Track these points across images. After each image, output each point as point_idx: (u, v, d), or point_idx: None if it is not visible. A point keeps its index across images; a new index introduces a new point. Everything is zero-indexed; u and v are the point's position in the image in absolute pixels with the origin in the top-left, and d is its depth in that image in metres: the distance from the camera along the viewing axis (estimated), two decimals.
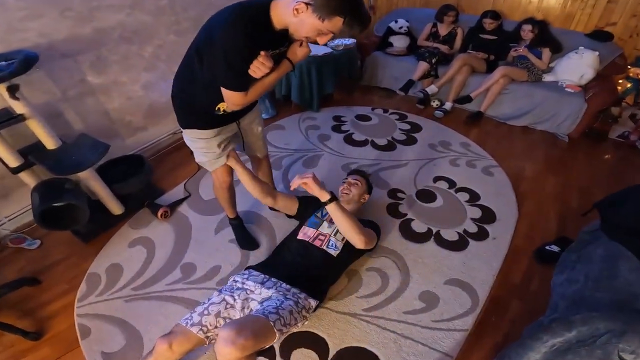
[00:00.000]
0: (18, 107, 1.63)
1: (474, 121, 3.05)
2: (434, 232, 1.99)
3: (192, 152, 1.56)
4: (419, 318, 1.57)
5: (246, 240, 1.93)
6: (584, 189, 2.31)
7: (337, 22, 1.04)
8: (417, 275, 1.75)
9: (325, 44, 3.09)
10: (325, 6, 1.01)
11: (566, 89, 2.84)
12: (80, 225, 1.87)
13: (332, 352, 1.46)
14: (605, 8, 2.93)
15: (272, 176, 2.02)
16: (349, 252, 1.62)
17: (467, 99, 3.09)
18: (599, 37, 2.92)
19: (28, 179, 1.84)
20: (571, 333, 1.05)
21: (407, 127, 3.01)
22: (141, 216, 2.17)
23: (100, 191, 2.01)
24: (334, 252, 1.57)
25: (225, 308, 1.31)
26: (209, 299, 1.34)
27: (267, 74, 1.20)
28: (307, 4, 1.02)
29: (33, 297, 1.75)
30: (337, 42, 3.22)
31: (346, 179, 1.88)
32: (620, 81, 2.99)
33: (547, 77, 3.01)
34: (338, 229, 1.52)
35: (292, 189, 1.42)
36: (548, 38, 2.99)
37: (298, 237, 1.64)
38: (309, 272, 1.53)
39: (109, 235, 2.05)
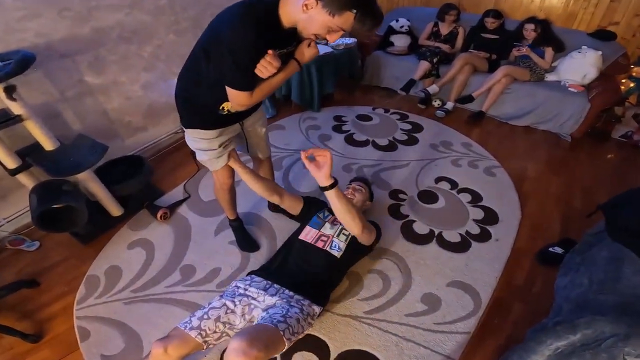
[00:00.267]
0: (15, 108, 1.61)
1: (476, 121, 3.04)
2: (436, 234, 1.97)
3: (192, 153, 1.55)
4: (421, 320, 1.56)
5: (246, 241, 1.92)
6: (587, 189, 2.30)
7: (348, 17, 1.01)
8: (419, 277, 1.74)
9: (326, 43, 3.08)
10: (336, 1, 0.98)
11: (569, 89, 2.82)
12: (79, 227, 1.86)
13: (333, 355, 1.45)
14: (608, 7, 2.91)
15: (274, 177, 2.00)
16: (352, 253, 1.61)
17: (469, 99, 3.07)
18: (602, 36, 2.90)
19: (26, 181, 1.82)
20: (575, 336, 1.04)
21: (409, 127, 2.99)
22: (140, 217, 2.16)
23: (99, 192, 2.00)
24: (337, 254, 1.56)
25: (226, 313, 1.29)
26: (209, 304, 1.32)
27: (274, 74, 1.17)
28: None
29: (32, 299, 1.74)
30: (337, 41, 3.19)
31: (350, 184, 1.87)
32: (624, 81, 2.97)
33: (550, 77, 2.99)
34: (337, 217, 1.43)
35: (305, 156, 1.26)
36: (550, 37, 2.97)
37: (300, 238, 1.63)
38: (312, 277, 1.51)
39: (108, 236, 2.04)
